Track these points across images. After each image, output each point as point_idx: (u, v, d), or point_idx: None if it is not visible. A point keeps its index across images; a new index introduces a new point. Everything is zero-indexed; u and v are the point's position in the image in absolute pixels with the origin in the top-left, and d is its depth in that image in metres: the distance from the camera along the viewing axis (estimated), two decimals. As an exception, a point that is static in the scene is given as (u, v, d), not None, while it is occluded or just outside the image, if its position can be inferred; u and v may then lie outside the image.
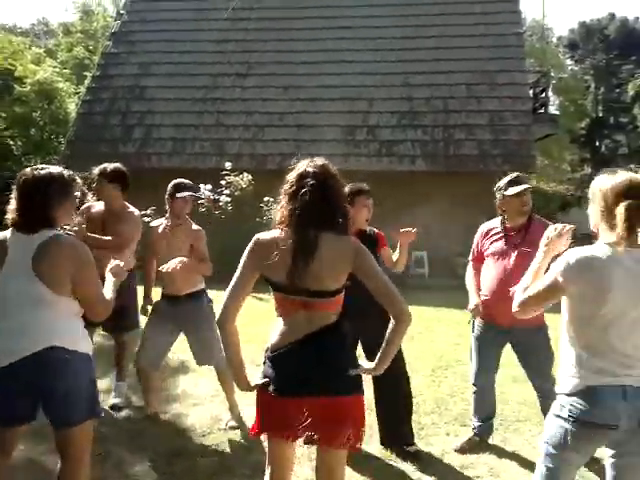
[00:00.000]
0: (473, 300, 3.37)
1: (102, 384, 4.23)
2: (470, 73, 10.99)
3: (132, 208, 3.90)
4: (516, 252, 3.21)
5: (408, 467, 3.23)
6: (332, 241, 1.98)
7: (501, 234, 3.35)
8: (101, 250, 3.46)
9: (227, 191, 9.33)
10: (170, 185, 3.70)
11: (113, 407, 3.91)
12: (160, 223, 3.76)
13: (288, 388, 1.98)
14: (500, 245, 3.31)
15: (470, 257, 3.55)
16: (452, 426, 3.79)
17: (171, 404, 4.04)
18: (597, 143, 34.98)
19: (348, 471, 3.04)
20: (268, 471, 2.16)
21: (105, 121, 11.36)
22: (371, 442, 3.43)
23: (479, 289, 3.39)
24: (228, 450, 3.38)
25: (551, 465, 2.04)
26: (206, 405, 4.04)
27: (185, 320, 3.59)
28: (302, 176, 2.03)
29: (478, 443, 3.48)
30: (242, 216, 8.81)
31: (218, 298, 2.17)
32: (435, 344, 5.80)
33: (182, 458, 3.24)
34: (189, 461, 3.21)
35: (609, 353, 1.96)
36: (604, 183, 1.99)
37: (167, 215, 3.74)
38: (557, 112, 23.05)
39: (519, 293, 2.13)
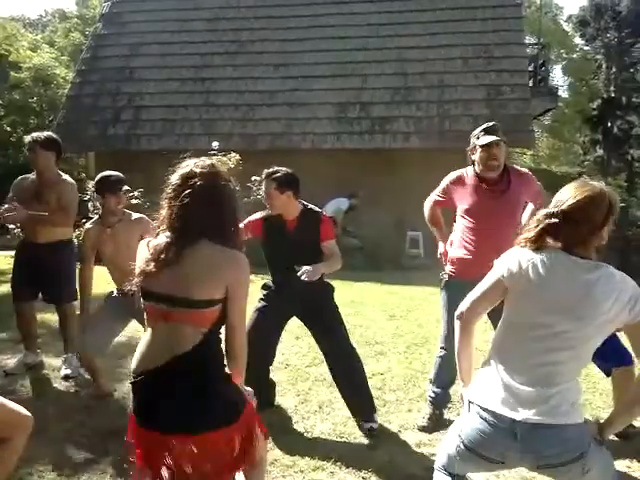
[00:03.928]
0: (442, 246, 3.35)
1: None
2: (466, 47, 10.61)
3: (66, 176, 3.70)
4: (495, 207, 2.99)
5: (361, 443, 3.03)
6: (211, 250, 1.74)
7: (476, 186, 3.08)
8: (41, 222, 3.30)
9: (214, 171, 9.11)
10: (96, 180, 3.39)
11: (65, 378, 3.89)
12: (94, 224, 3.42)
13: (144, 421, 1.78)
14: (477, 199, 3.06)
15: (435, 197, 3.32)
16: (416, 403, 3.56)
17: (123, 382, 3.86)
18: (609, 124, 34.12)
19: (302, 447, 2.87)
20: None
21: (94, 103, 11.16)
22: (324, 418, 3.25)
23: (445, 235, 3.35)
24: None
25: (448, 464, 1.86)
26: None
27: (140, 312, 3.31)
28: (187, 176, 1.75)
29: (439, 418, 3.25)
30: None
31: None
32: (416, 323, 5.55)
33: (119, 436, 3.06)
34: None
35: (514, 375, 1.71)
36: None
37: (100, 213, 3.43)
38: (559, 86, 22.37)
39: (463, 304, 1.90)
